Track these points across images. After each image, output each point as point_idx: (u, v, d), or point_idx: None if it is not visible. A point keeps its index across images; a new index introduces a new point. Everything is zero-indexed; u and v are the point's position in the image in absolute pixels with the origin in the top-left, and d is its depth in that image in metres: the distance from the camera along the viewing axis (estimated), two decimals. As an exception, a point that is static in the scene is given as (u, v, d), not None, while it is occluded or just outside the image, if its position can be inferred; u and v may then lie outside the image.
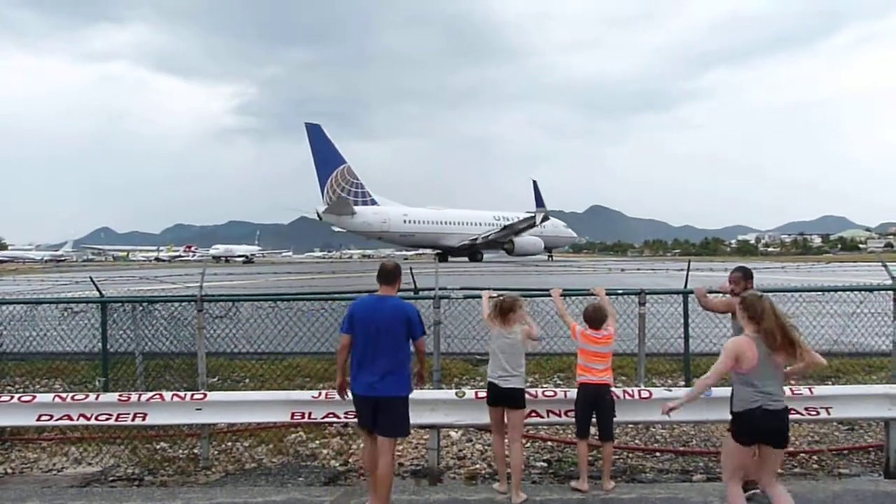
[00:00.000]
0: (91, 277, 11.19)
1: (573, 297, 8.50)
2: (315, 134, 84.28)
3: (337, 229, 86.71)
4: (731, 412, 5.82)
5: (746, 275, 7.30)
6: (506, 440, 7.09)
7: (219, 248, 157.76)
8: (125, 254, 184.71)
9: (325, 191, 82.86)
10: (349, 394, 6.57)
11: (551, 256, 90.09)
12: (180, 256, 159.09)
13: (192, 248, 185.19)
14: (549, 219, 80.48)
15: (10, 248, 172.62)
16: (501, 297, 7.28)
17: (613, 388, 7.47)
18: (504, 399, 6.99)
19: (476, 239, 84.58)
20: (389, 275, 6.59)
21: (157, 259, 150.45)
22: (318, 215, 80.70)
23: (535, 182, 76.24)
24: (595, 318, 7.28)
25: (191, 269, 52.06)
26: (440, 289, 8.56)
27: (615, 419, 7.43)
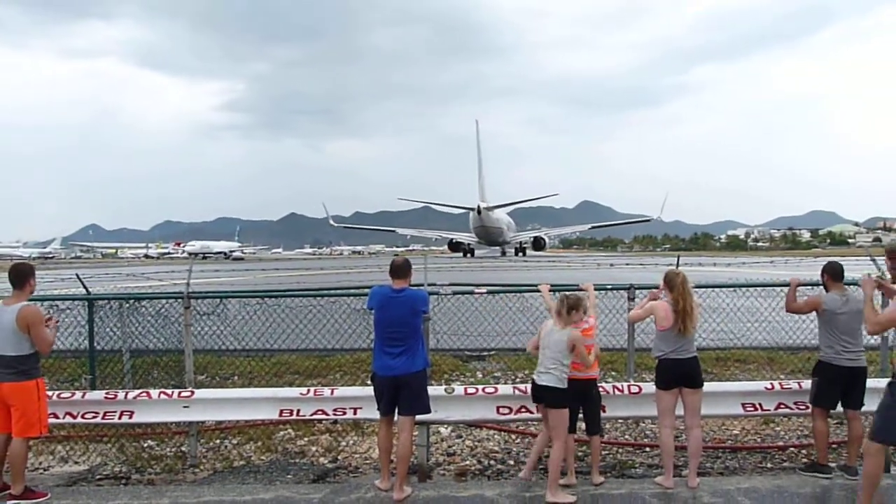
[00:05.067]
0: (77, 275, 11.08)
1: (562, 293, 8.45)
2: (477, 131, 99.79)
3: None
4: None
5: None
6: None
7: (195, 245, 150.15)
8: (113, 251, 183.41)
9: (480, 187, 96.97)
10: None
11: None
12: (169, 253, 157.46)
13: (181, 245, 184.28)
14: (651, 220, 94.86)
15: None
16: (567, 295, 7.06)
17: (602, 384, 7.43)
18: (538, 396, 6.93)
19: (530, 238, 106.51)
20: (400, 269, 7.00)
21: (146, 256, 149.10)
22: (479, 209, 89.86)
23: (665, 195, 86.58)
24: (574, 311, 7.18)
25: (178, 266, 51.77)
26: (429, 284, 8.52)
27: (605, 414, 7.42)
